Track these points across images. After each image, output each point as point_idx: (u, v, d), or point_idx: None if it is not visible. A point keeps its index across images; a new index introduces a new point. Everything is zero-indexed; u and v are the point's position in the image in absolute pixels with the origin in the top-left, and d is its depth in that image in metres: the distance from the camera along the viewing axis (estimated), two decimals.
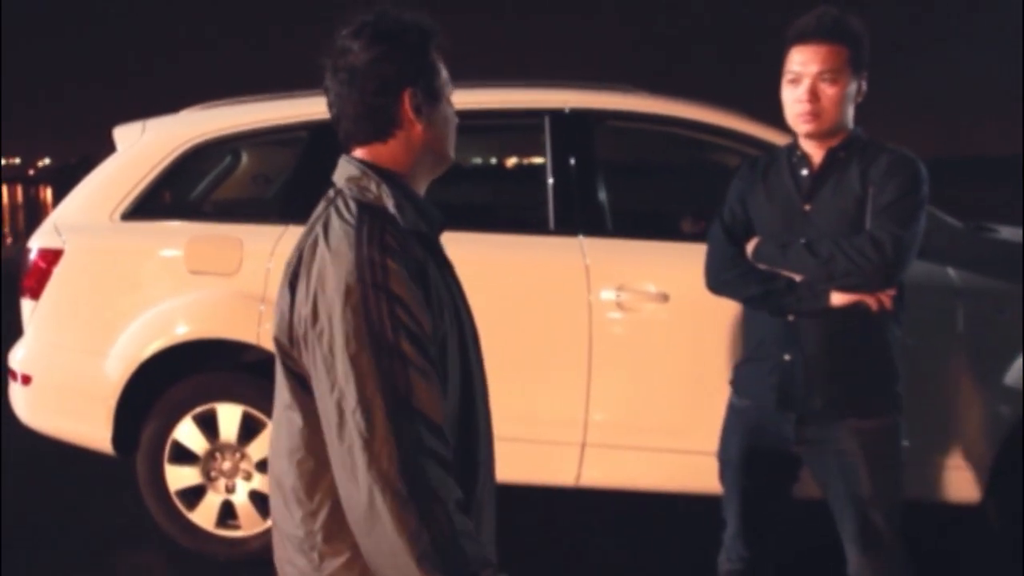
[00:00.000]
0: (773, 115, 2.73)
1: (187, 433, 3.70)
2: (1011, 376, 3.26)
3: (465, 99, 3.74)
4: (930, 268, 3.24)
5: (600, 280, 3.42)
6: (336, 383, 1.39)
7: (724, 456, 2.64)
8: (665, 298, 3.39)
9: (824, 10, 2.39)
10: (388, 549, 1.35)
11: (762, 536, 2.61)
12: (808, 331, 2.42)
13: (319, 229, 1.48)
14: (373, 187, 1.52)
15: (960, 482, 3.31)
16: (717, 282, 2.58)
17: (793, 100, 2.40)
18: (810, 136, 2.43)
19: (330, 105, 1.59)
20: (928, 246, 2.79)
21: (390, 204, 1.50)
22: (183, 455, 3.72)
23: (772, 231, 2.49)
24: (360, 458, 1.36)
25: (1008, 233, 3.73)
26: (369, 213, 1.47)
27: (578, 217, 3.52)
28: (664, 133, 3.85)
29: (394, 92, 1.53)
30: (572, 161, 3.56)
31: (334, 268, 1.41)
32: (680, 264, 3.43)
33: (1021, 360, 3.26)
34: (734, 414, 2.63)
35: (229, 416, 3.68)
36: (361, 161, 1.56)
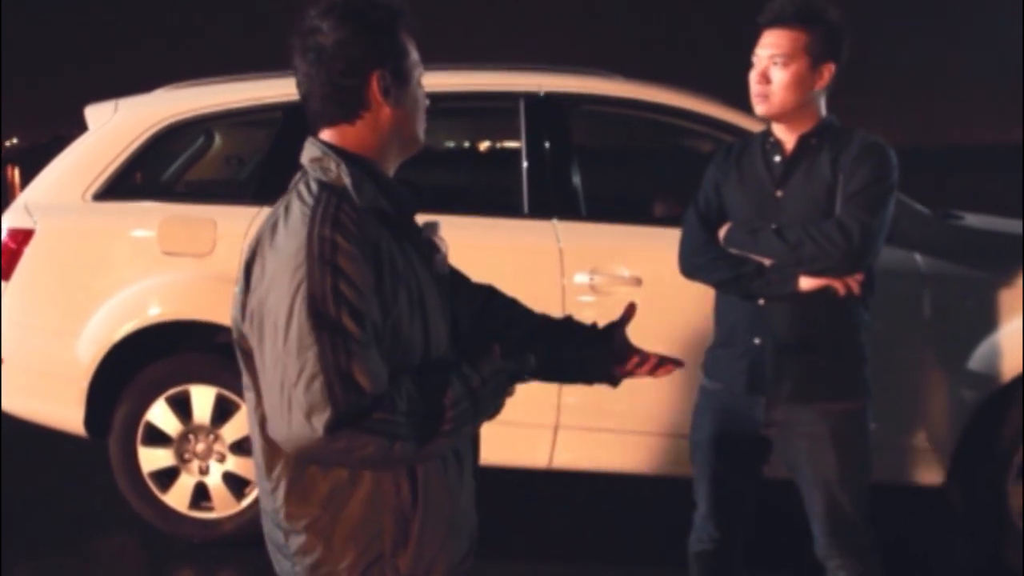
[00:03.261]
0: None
1: (160, 415, 3.70)
2: (975, 361, 3.32)
3: (440, 81, 3.76)
4: (898, 254, 3.29)
5: (574, 263, 3.44)
6: (278, 357, 1.41)
7: (695, 438, 2.67)
8: (638, 282, 3.42)
9: None
10: (377, 460, 1.44)
11: (732, 517, 2.65)
12: (777, 315, 2.45)
13: (280, 211, 1.51)
14: (333, 166, 1.53)
15: (923, 465, 3.38)
16: (690, 266, 2.61)
17: (751, 81, 2.45)
18: (764, 117, 2.48)
19: (298, 85, 1.59)
20: (896, 232, 2.83)
21: (348, 182, 1.51)
22: (156, 437, 3.71)
23: (744, 217, 2.51)
24: (305, 428, 1.38)
25: (974, 220, 3.79)
26: (327, 191, 1.49)
27: (552, 201, 3.53)
28: (639, 118, 3.88)
29: (362, 74, 1.54)
30: (547, 145, 3.57)
31: (287, 244, 1.44)
32: (653, 248, 3.45)
33: (984, 345, 3.32)
34: (705, 397, 2.66)
35: (203, 398, 3.68)
36: (324, 142, 1.57)
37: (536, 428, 3.50)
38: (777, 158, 2.48)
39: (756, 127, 3.44)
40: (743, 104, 3.51)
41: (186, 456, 3.72)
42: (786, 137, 2.49)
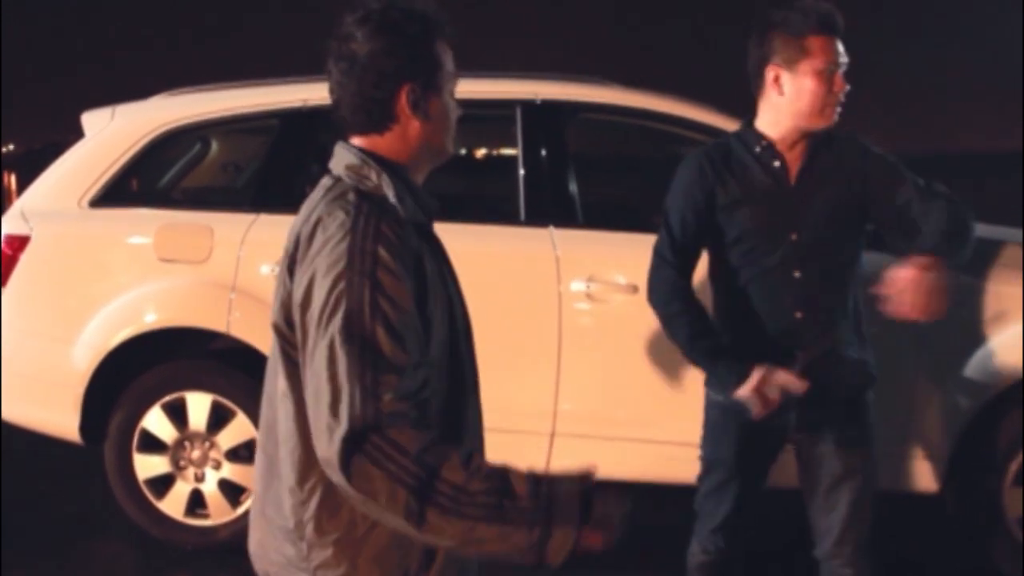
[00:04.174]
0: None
1: (156, 422, 3.69)
2: (970, 369, 3.33)
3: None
4: (892, 260, 3.28)
5: (570, 271, 3.44)
6: (316, 368, 1.40)
7: (715, 456, 2.57)
8: (634, 289, 3.42)
9: (825, 4, 2.37)
10: (380, 508, 1.34)
11: (741, 529, 2.61)
12: (812, 328, 2.42)
13: (317, 216, 1.48)
14: (373, 176, 1.51)
15: (920, 472, 3.38)
16: (664, 313, 2.48)
17: (826, 92, 2.35)
18: (827, 128, 2.41)
19: (330, 90, 1.58)
20: (889, 240, 2.84)
21: (390, 194, 1.50)
22: (152, 444, 3.70)
23: (754, 228, 2.42)
24: (332, 444, 1.35)
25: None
26: (368, 202, 1.47)
27: (549, 208, 3.54)
28: (636, 125, 3.89)
29: (391, 87, 1.52)
30: (543, 152, 3.58)
31: (328, 255, 1.42)
32: (649, 256, 3.46)
33: (979, 353, 3.32)
34: (722, 413, 2.53)
35: (198, 405, 3.67)
36: (360, 149, 1.56)
37: (532, 435, 3.50)
38: (776, 163, 2.43)
39: None
40: (736, 110, 3.53)
41: (182, 463, 3.71)
42: (785, 140, 2.43)
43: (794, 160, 2.43)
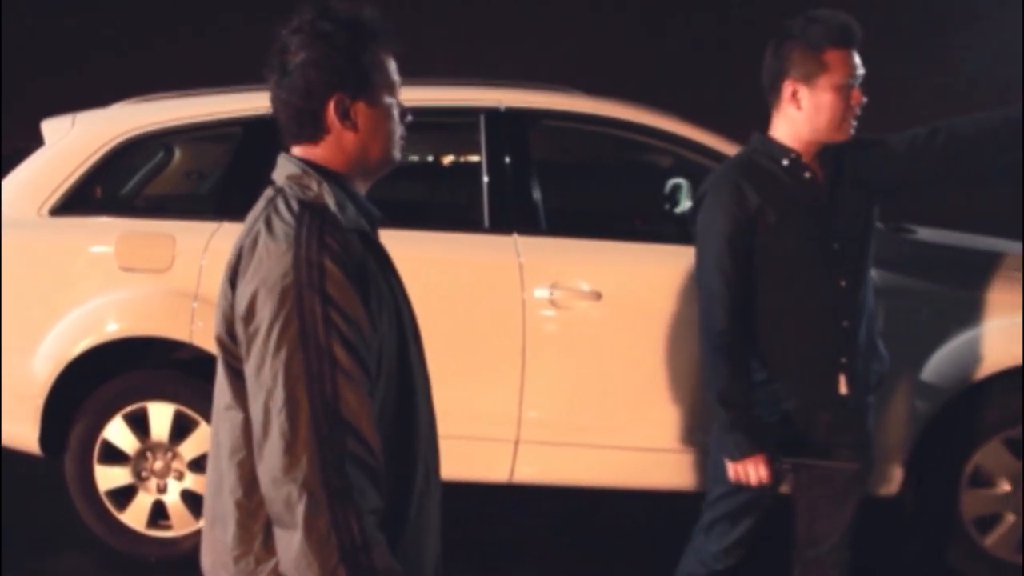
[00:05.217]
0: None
1: (117, 432, 3.65)
2: (927, 372, 3.38)
3: (402, 96, 3.77)
4: None
5: (534, 278, 3.45)
6: (265, 383, 1.39)
7: (751, 494, 2.51)
8: (598, 296, 3.44)
9: (845, 15, 2.36)
10: (297, 552, 1.35)
11: (752, 544, 2.62)
12: (856, 334, 2.44)
13: (260, 227, 1.47)
14: (314, 185, 1.51)
15: (879, 476, 3.42)
16: (709, 348, 2.43)
17: (845, 107, 2.35)
18: (843, 141, 2.40)
19: (271, 100, 1.58)
20: None
21: (331, 203, 1.49)
22: (113, 455, 3.66)
23: (802, 243, 2.40)
24: (281, 460, 1.36)
25: (927, 234, 3.87)
26: (310, 212, 1.46)
27: (512, 216, 3.55)
28: (599, 133, 3.91)
29: (320, 97, 1.52)
30: (507, 160, 3.59)
31: (272, 268, 1.41)
32: (613, 263, 3.49)
33: (936, 357, 3.38)
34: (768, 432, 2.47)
35: (160, 415, 3.64)
36: (300, 159, 1.55)
37: (497, 442, 3.50)
38: (807, 174, 2.41)
39: (716, 143, 3.50)
40: (706, 121, 3.57)
41: (144, 474, 3.68)
42: (807, 152, 2.42)
43: (818, 169, 2.44)
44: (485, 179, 3.58)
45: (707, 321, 2.43)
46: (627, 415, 3.46)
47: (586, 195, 4.91)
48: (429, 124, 4.18)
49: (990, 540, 3.47)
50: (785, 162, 2.43)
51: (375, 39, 1.55)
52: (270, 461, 1.37)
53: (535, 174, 3.63)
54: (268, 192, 1.55)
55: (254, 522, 1.49)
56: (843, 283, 2.42)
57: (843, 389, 2.44)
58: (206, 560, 1.61)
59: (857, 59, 2.36)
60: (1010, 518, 3.45)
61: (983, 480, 3.45)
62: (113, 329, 3.61)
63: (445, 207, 5.05)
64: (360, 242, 1.49)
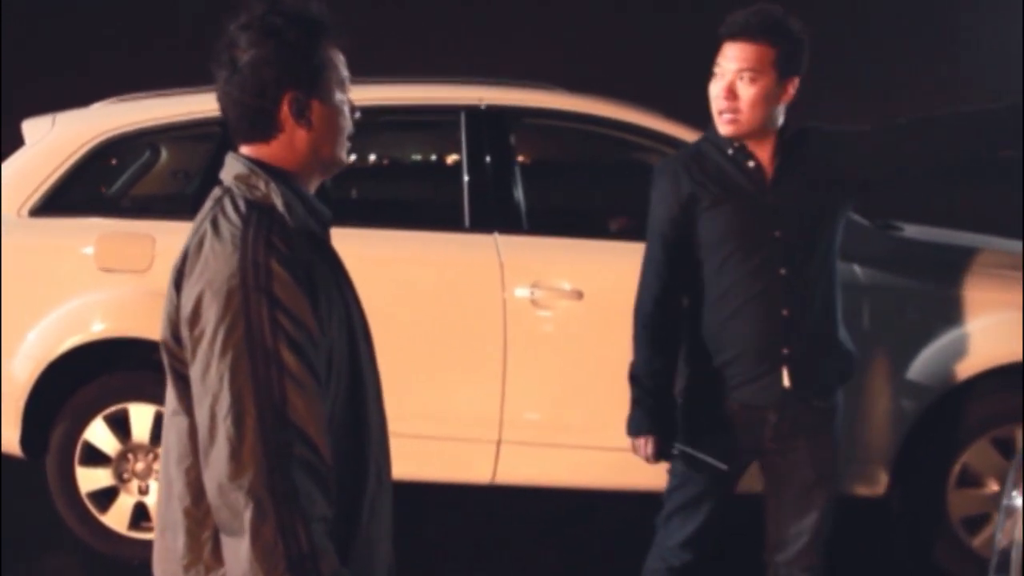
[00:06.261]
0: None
1: (98, 434, 3.63)
2: (914, 371, 3.34)
3: (380, 95, 3.75)
4: (839, 266, 3.29)
5: (515, 277, 3.42)
6: (210, 387, 1.36)
7: (687, 472, 2.53)
8: (579, 295, 3.41)
9: (759, 7, 2.35)
10: (245, 561, 1.33)
11: (709, 541, 2.58)
12: (799, 325, 2.40)
13: (206, 228, 1.44)
14: (261, 185, 1.48)
15: (865, 476, 3.39)
16: (637, 328, 2.55)
17: (713, 96, 2.38)
18: (730, 137, 2.40)
19: (218, 98, 1.54)
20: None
21: (279, 203, 1.46)
22: (94, 456, 3.65)
23: (737, 229, 2.40)
24: (227, 466, 1.33)
25: (913, 232, 3.83)
26: (257, 212, 1.44)
27: (493, 214, 3.52)
28: (581, 131, 3.88)
29: (274, 95, 1.49)
30: (488, 158, 3.56)
31: (217, 269, 1.38)
32: (594, 261, 3.46)
33: (923, 355, 3.34)
34: (704, 423, 2.51)
35: (141, 416, 3.62)
36: (248, 158, 1.52)
37: (479, 443, 3.47)
38: (751, 163, 2.41)
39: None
40: (692, 118, 3.52)
41: (125, 476, 3.66)
42: (752, 139, 2.41)
43: (767, 159, 2.41)
44: (466, 178, 3.55)
45: (637, 303, 2.55)
46: (610, 415, 3.39)
47: (568, 193, 4.89)
48: (409, 122, 4.15)
49: (978, 540, 3.43)
50: (730, 151, 2.43)
51: (326, 34, 1.53)
52: (216, 467, 1.35)
53: (516, 172, 3.61)
54: (216, 192, 1.53)
55: (202, 530, 1.46)
56: (783, 271, 2.39)
57: (786, 382, 2.40)
58: (157, 569, 1.58)
59: (732, 51, 2.33)
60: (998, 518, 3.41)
61: (971, 480, 3.41)
62: (93, 330, 3.59)
63: (425, 206, 5.02)
64: (309, 243, 1.47)
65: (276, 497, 1.32)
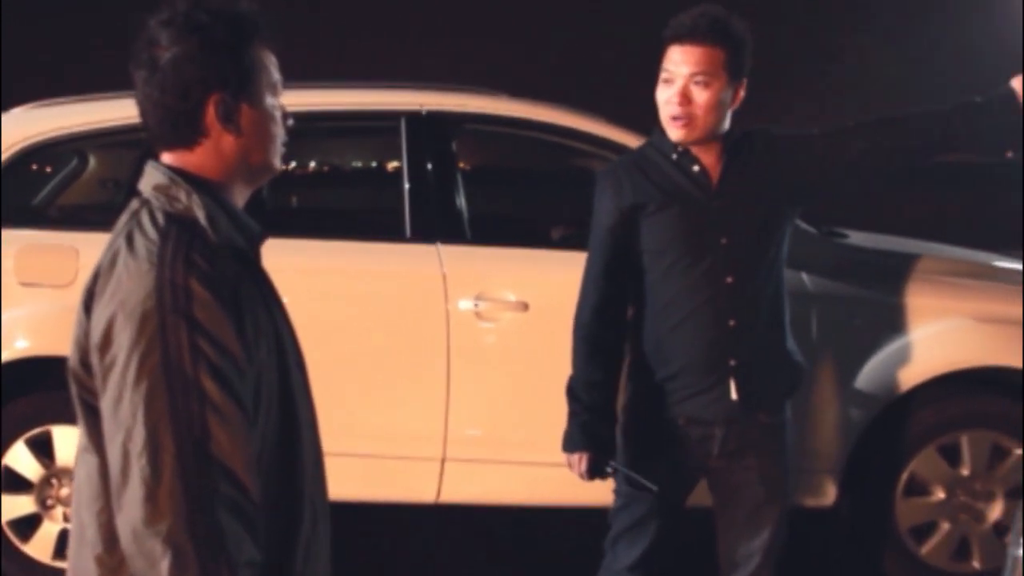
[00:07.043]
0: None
1: (19, 458, 3.46)
2: (861, 380, 3.32)
3: (318, 100, 3.64)
4: (786, 274, 3.27)
5: (458, 289, 3.33)
6: (123, 421, 1.24)
7: (631, 491, 2.44)
8: (525, 307, 3.33)
9: (704, 9, 2.30)
10: None
11: (658, 564, 2.51)
12: (746, 335, 2.35)
13: (120, 244, 1.33)
14: (183, 196, 1.36)
15: (813, 487, 3.36)
16: (575, 340, 2.52)
17: (664, 101, 2.31)
18: (683, 142, 2.34)
19: (136, 102, 1.42)
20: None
21: (201, 216, 1.35)
22: (15, 482, 3.46)
23: (682, 235, 2.35)
24: (142, 510, 1.22)
25: (859, 239, 3.83)
26: (177, 226, 1.32)
27: (435, 224, 3.43)
28: (524, 137, 3.81)
29: (198, 97, 1.37)
30: (429, 165, 3.47)
31: (131, 290, 1.27)
32: (540, 272, 3.39)
33: (870, 364, 3.33)
34: (648, 439, 2.46)
35: (66, 439, 3.44)
36: (169, 167, 1.40)
37: (422, 461, 3.37)
38: (696, 168, 2.36)
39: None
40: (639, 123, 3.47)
41: (48, 502, 3.48)
42: (698, 144, 2.36)
43: (713, 163, 2.36)
44: (406, 186, 3.46)
45: (576, 314, 2.50)
46: (557, 430, 3.32)
47: (512, 201, 4.82)
48: (348, 129, 4.05)
49: (926, 549, 3.42)
50: (674, 156, 2.38)
51: (256, 34, 1.42)
52: (130, 512, 1.23)
53: (459, 180, 3.52)
54: (133, 204, 1.41)
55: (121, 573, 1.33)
56: (729, 279, 2.33)
57: (733, 395, 2.34)
58: None
59: (682, 55, 2.28)
60: (945, 526, 3.41)
61: (918, 489, 3.41)
62: (13, 348, 3.41)
63: (364, 215, 4.92)
64: (235, 261, 1.36)
65: (198, 542, 1.21)
